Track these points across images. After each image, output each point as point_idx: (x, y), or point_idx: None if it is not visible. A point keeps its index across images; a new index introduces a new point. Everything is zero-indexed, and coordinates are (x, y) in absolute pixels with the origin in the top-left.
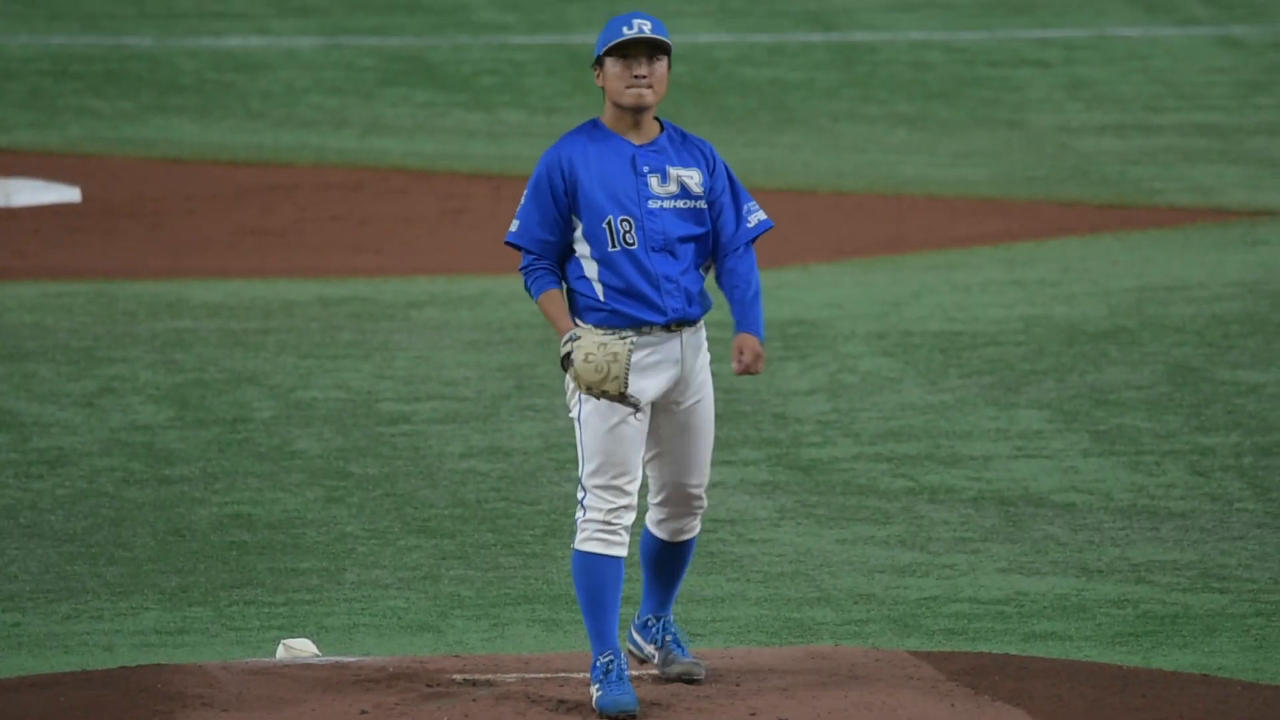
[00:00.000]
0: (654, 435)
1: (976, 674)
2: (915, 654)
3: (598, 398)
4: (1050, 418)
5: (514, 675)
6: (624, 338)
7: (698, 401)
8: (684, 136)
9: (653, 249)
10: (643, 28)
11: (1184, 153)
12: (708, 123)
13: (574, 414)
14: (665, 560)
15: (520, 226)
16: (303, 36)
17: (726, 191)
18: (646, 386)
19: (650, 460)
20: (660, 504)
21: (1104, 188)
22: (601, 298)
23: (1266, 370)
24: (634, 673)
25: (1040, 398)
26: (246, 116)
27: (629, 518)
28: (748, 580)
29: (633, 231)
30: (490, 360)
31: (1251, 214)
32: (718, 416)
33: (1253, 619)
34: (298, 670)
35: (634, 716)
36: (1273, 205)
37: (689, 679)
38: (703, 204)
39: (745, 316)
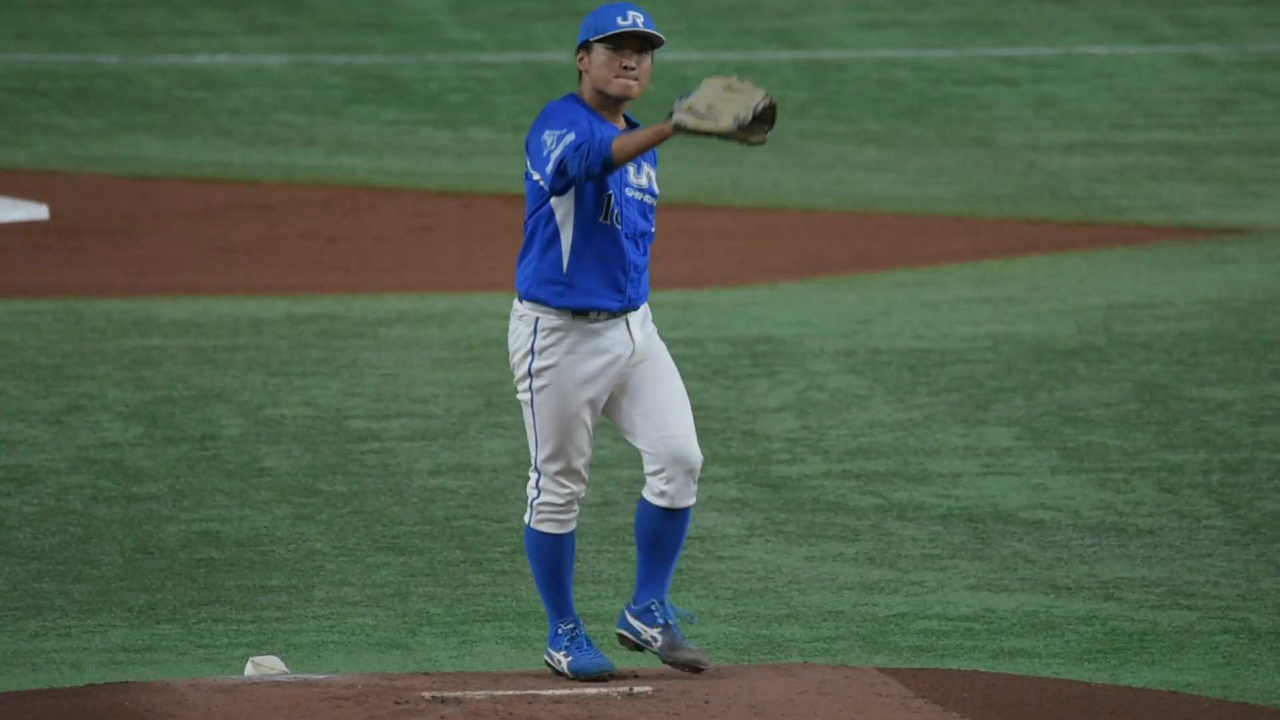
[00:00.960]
0: (620, 413)
1: (945, 691)
2: (884, 671)
3: (743, 126)
4: (1019, 435)
5: (483, 692)
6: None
7: (645, 360)
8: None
9: (626, 235)
10: (637, 20)
11: (1151, 171)
12: (675, 140)
13: (523, 397)
14: (663, 534)
15: (576, 133)
16: (271, 54)
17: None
18: (597, 372)
19: (632, 434)
20: (657, 472)
21: (1072, 206)
22: (565, 268)
23: (1234, 388)
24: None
25: (1009, 415)
26: (215, 134)
27: (582, 493)
28: (716, 597)
29: (615, 208)
30: (459, 378)
31: (1219, 232)
32: None
33: (1220, 636)
34: (266, 688)
35: (611, 675)
36: (1240, 223)
37: (697, 668)
38: (653, 198)
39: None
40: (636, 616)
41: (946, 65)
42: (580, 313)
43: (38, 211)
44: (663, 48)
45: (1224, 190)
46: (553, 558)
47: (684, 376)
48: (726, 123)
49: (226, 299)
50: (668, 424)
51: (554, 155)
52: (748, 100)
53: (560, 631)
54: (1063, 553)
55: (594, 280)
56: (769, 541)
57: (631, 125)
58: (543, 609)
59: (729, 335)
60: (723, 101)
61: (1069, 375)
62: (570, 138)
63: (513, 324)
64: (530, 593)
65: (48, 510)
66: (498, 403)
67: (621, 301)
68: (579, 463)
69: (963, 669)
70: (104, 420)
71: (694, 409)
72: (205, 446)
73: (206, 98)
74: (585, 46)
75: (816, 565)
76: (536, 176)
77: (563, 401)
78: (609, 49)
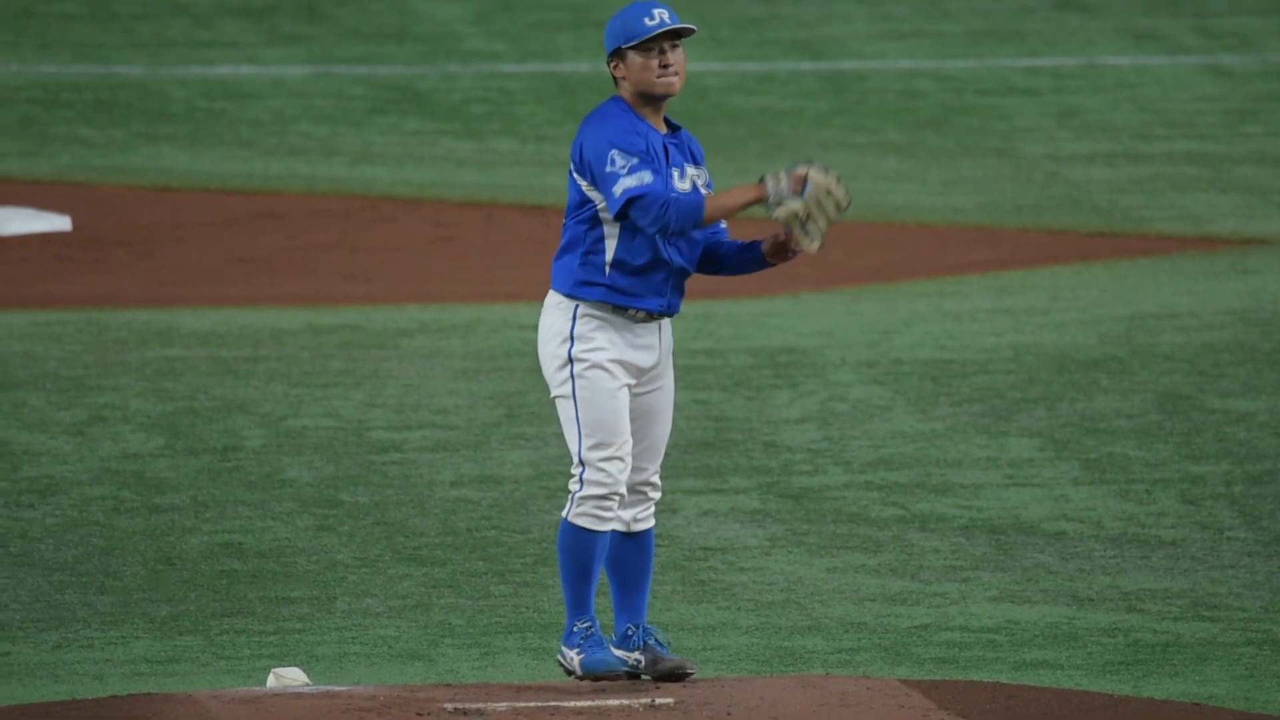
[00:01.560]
0: None
1: (967, 703)
2: (906, 683)
3: (829, 221)
4: (1040, 446)
5: (505, 704)
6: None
7: (659, 388)
8: (684, 132)
9: (670, 242)
10: (664, 18)
11: (1173, 181)
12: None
13: (563, 391)
14: (627, 557)
15: (654, 175)
16: (292, 65)
17: (711, 187)
18: (637, 361)
19: None
20: None
21: (1093, 216)
22: (606, 272)
23: (1257, 398)
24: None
25: (1030, 426)
26: (236, 145)
27: (625, 490)
28: (738, 609)
29: None
30: (481, 389)
31: (1241, 242)
32: (706, 444)
33: (1243, 648)
34: (288, 699)
35: (620, 675)
36: (1263, 234)
37: (680, 674)
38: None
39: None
40: (619, 646)
41: (968, 75)
42: (620, 308)
43: (60, 223)
44: (684, 57)
45: (1246, 201)
46: (585, 554)
47: (706, 388)
48: (813, 246)
49: (248, 310)
50: (645, 459)
51: (628, 188)
52: (831, 212)
53: (576, 629)
54: (1085, 564)
55: (636, 284)
56: (791, 553)
57: (671, 127)
58: (563, 617)
59: (751, 346)
60: (819, 211)
61: (1091, 386)
62: (647, 179)
63: (547, 317)
64: (552, 604)
65: (70, 521)
66: (519, 414)
67: (662, 305)
68: (624, 450)
69: (985, 680)
70: (126, 431)
71: (715, 420)
72: (227, 457)
73: (228, 108)
74: (618, 54)
75: (838, 576)
76: (597, 200)
77: (605, 382)
78: (643, 51)
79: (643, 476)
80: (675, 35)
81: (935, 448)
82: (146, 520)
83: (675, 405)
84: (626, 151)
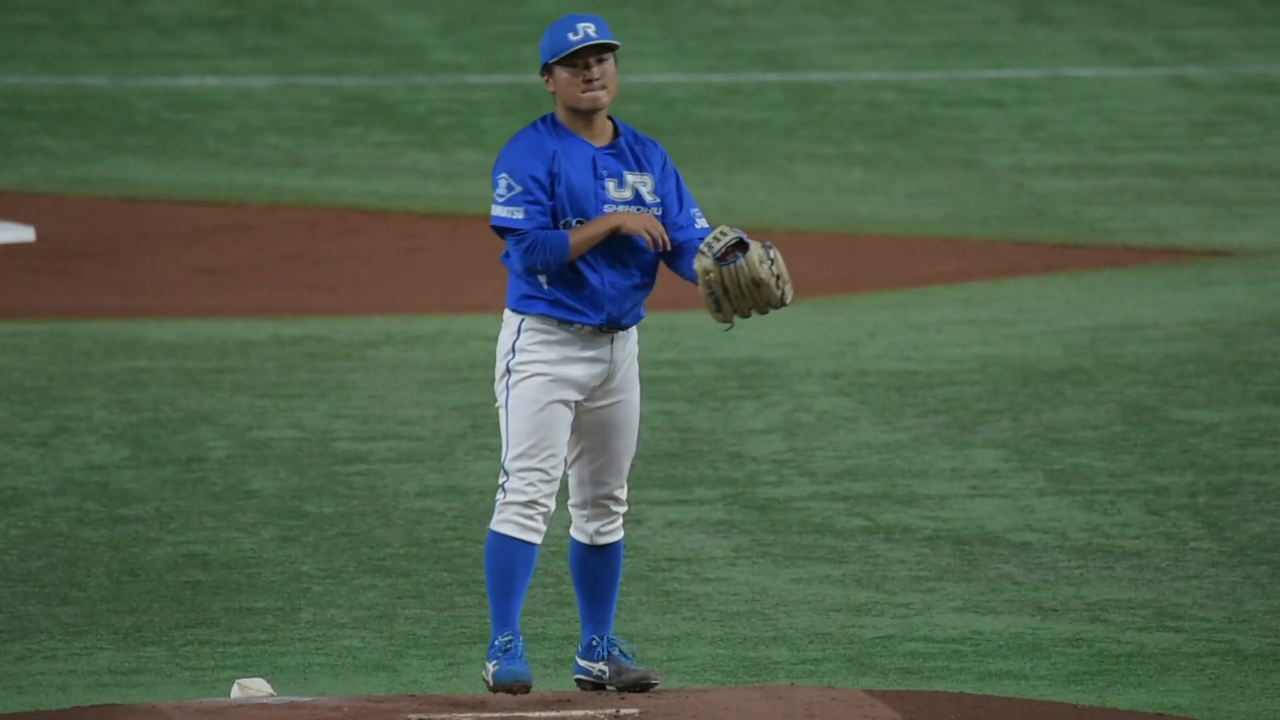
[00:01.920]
0: (574, 434)
1: (932, 713)
2: (871, 693)
3: (748, 308)
4: (1006, 457)
5: (469, 715)
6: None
7: (618, 402)
8: (636, 138)
9: (602, 254)
10: (588, 31)
11: (1138, 193)
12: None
13: (500, 401)
14: (593, 569)
15: (526, 214)
16: (258, 76)
17: (673, 193)
18: (577, 376)
19: (570, 461)
20: (578, 505)
21: (1059, 227)
22: (545, 286)
23: (1221, 410)
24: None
25: (996, 437)
26: (202, 156)
27: (550, 503)
28: (703, 619)
29: None
30: (446, 400)
31: (1206, 254)
32: (672, 455)
33: (1207, 658)
34: (252, 710)
35: (528, 687)
36: (1227, 245)
37: (645, 684)
38: (656, 211)
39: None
40: (584, 657)
41: (933, 87)
42: (565, 322)
43: (24, 233)
44: (650, 70)
45: (1210, 212)
46: (507, 563)
47: (671, 399)
48: (716, 315)
49: (213, 321)
50: (606, 474)
51: (497, 216)
52: (749, 301)
53: (497, 642)
54: (1050, 574)
55: (575, 299)
56: (756, 563)
57: (616, 133)
58: (533, 629)
59: (716, 357)
60: (736, 291)
61: (1056, 397)
62: (518, 215)
63: (500, 333)
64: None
65: (34, 533)
66: (485, 424)
67: (601, 319)
68: (549, 463)
69: (950, 691)
70: (91, 442)
71: (681, 431)
72: (192, 468)
73: (193, 120)
74: (547, 69)
75: (803, 587)
76: (491, 215)
77: (536, 394)
78: (569, 66)
79: (604, 490)
80: (600, 49)
81: (900, 458)
82: (111, 531)
83: (641, 417)
84: (514, 180)
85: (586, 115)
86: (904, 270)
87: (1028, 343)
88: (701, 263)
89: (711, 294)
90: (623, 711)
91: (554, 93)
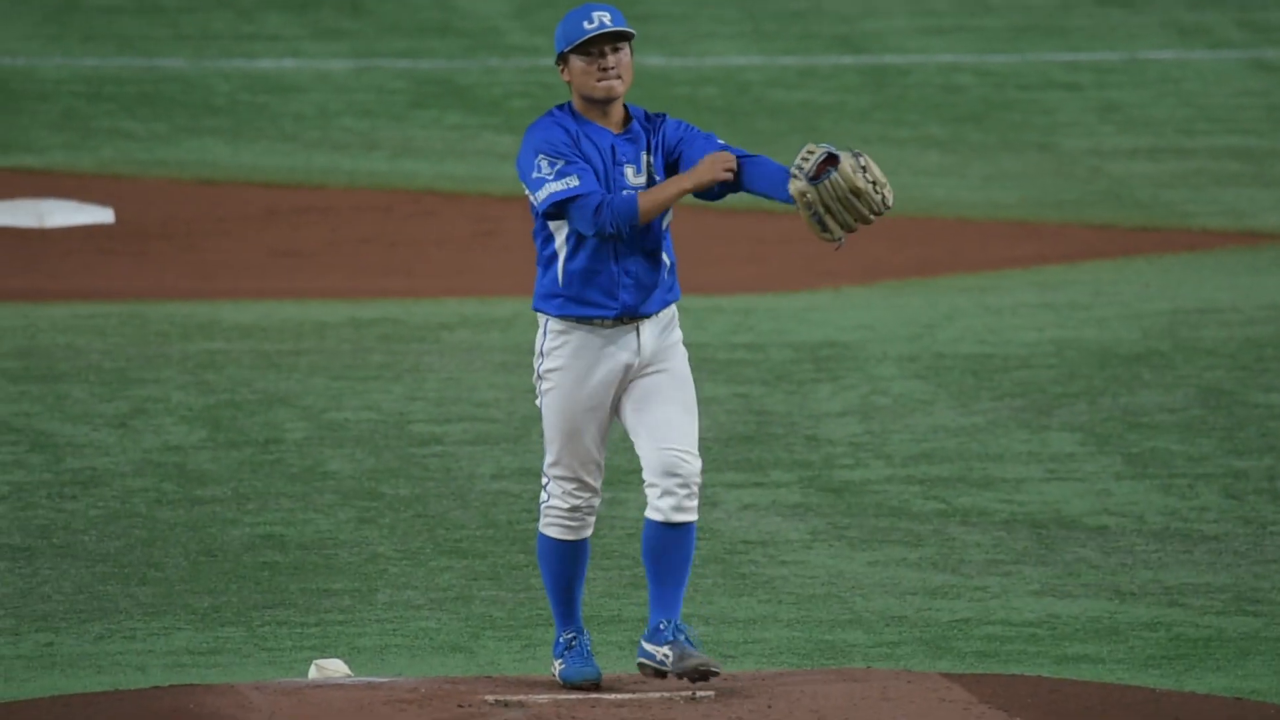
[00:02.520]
0: (625, 419)
1: (1009, 697)
2: (947, 676)
3: (854, 220)
4: (1082, 440)
5: (546, 696)
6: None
7: (659, 370)
8: (648, 118)
9: (620, 241)
10: (603, 20)
11: (1216, 176)
12: (739, 145)
13: (538, 401)
14: (665, 550)
15: (581, 179)
16: (335, 59)
17: (689, 134)
18: (603, 376)
19: (635, 441)
20: (651, 484)
21: (1136, 211)
22: (561, 282)
23: None
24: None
25: (1072, 420)
26: (279, 138)
27: (594, 502)
28: (779, 602)
29: None
30: (521, 382)
31: None
32: (748, 438)
33: None
34: (330, 691)
35: (598, 685)
36: None
37: (705, 672)
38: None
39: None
40: (648, 640)
41: (1009, 70)
42: (583, 319)
43: (103, 215)
44: (726, 53)
45: None
46: (560, 564)
47: (747, 381)
48: (823, 235)
49: (290, 303)
50: (667, 437)
51: (554, 192)
52: (853, 212)
53: (562, 639)
54: (1127, 558)
55: (588, 291)
56: (832, 546)
57: (629, 119)
58: (606, 614)
59: (792, 340)
60: (837, 206)
61: (1133, 381)
62: (574, 182)
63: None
64: (593, 596)
65: (113, 513)
66: None
67: (617, 309)
68: (583, 472)
69: (1027, 675)
70: (168, 423)
71: (756, 414)
72: (269, 450)
73: (271, 102)
74: (563, 58)
75: (879, 570)
76: (531, 198)
77: (566, 404)
78: (585, 55)
79: (670, 458)
80: (615, 38)
81: (977, 442)
82: (188, 512)
83: (716, 400)
84: (552, 156)
85: (602, 104)
86: (980, 254)
87: (1104, 326)
88: (796, 185)
89: (814, 215)
90: (699, 694)
91: (569, 82)
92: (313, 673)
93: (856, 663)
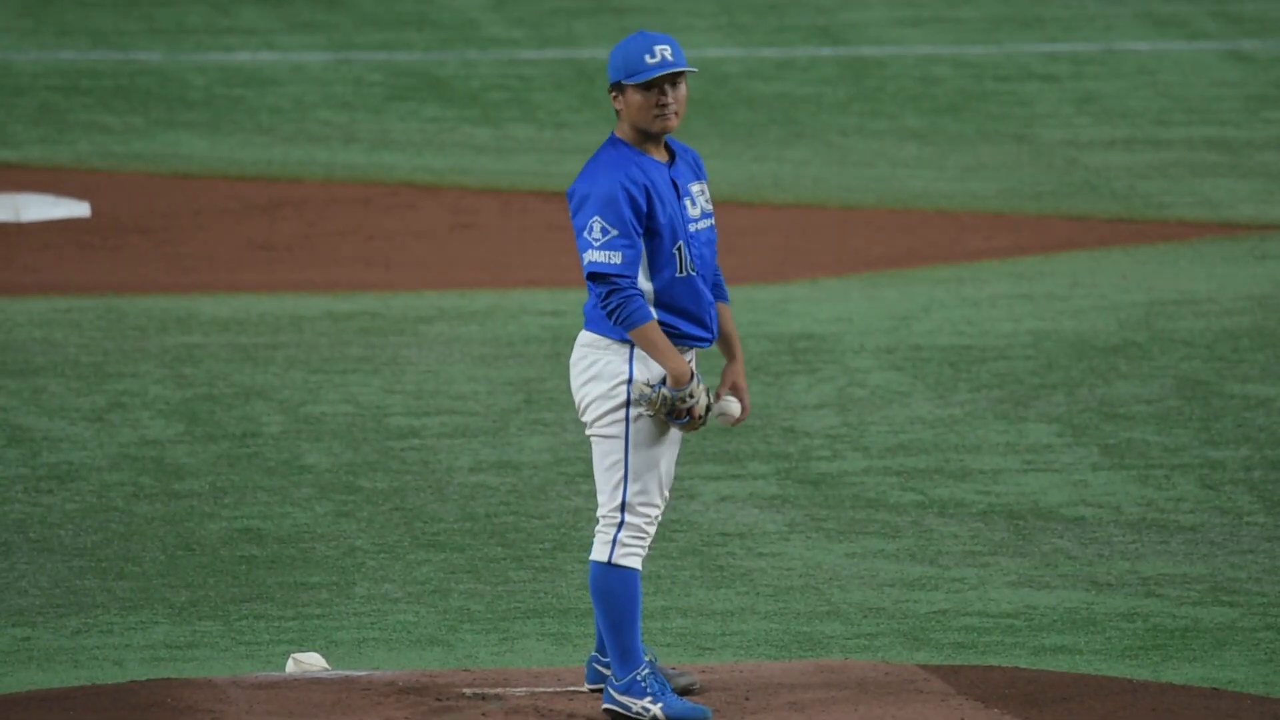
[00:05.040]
0: None
1: (986, 688)
2: (925, 668)
3: (693, 427)
4: (1059, 431)
5: (523, 689)
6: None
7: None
8: (678, 146)
9: (700, 274)
10: (665, 56)
11: (1193, 167)
12: (716, 137)
13: (612, 432)
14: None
15: (624, 257)
16: (311, 52)
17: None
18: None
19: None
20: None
21: (1113, 202)
22: (654, 314)
23: (1276, 384)
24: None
25: (1049, 412)
26: (255, 131)
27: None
28: (757, 594)
29: (688, 257)
30: (499, 375)
31: (1261, 228)
32: (725, 430)
33: (1263, 633)
34: (307, 684)
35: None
36: None
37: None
38: (712, 219)
39: (734, 347)
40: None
41: (987, 62)
42: (681, 349)
43: (79, 209)
44: (704, 45)
45: (1266, 186)
46: (630, 596)
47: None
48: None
49: (267, 296)
50: (667, 485)
51: (594, 262)
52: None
53: (639, 679)
54: (1104, 549)
55: (686, 322)
56: (809, 538)
57: (670, 153)
58: (584, 606)
59: (769, 332)
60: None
61: (1110, 372)
62: (617, 259)
63: (593, 356)
64: (571, 589)
65: (89, 507)
66: (538, 400)
67: (711, 338)
68: (660, 497)
69: (1004, 665)
70: (145, 417)
71: None
72: (246, 444)
73: (247, 95)
74: (618, 86)
75: (857, 562)
76: (585, 259)
77: (659, 431)
78: (642, 90)
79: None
80: (676, 74)
81: (954, 433)
82: (166, 506)
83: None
84: (608, 223)
85: (654, 137)
86: (957, 245)
87: (1082, 317)
88: (645, 403)
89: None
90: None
91: (620, 110)
92: (290, 666)
93: (834, 654)
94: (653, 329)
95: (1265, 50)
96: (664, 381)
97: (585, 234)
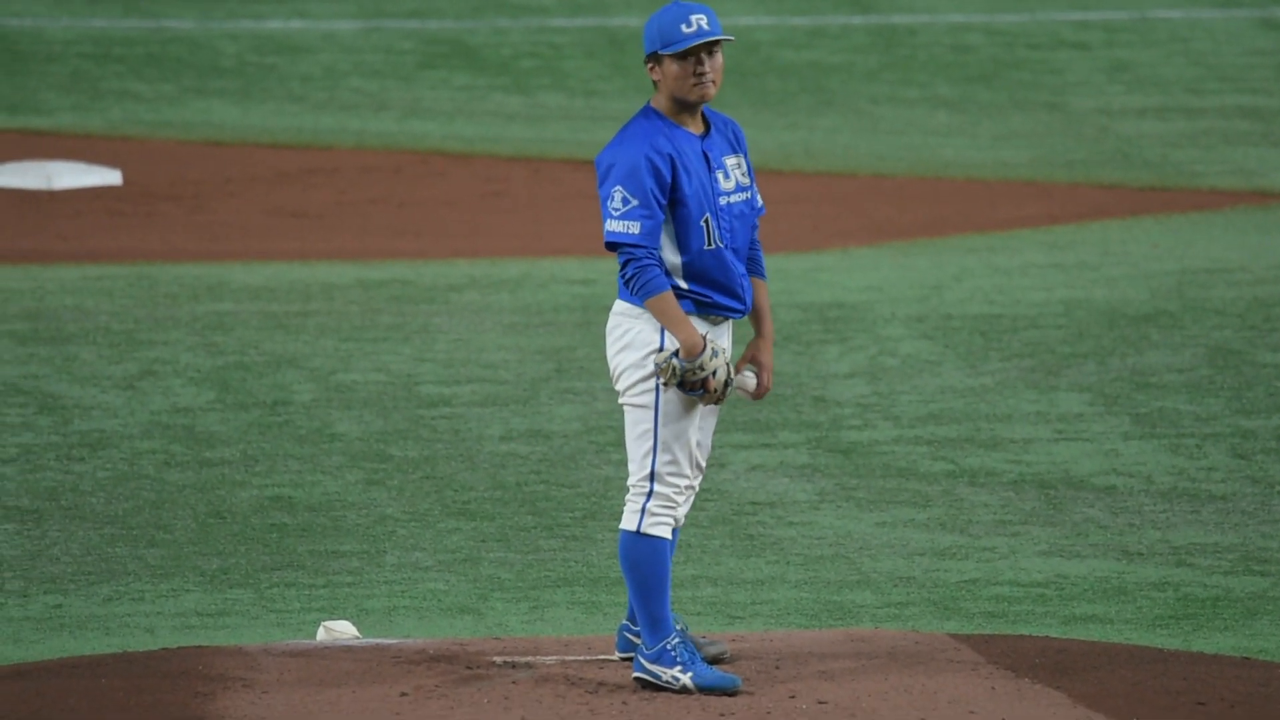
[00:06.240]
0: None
1: (1017, 657)
2: (955, 637)
3: (713, 401)
4: (1091, 401)
5: (553, 658)
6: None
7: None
8: (717, 115)
9: (731, 247)
10: (702, 25)
11: (1225, 135)
12: (747, 106)
13: (643, 401)
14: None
15: (642, 228)
16: (343, 20)
17: (749, 168)
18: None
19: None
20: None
21: (1145, 170)
22: (684, 283)
23: None
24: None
25: (1081, 381)
26: (287, 99)
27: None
28: (787, 563)
29: (715, 230)
30: (530, 343)
31: None
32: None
33: None
34: (338, 652)
35: (737, 692)
36: None
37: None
38: (746, 194)
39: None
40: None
41: (1019, 30)
42: (704, 317)
43: (111, 177)
44: (735, 13)
45: None
46: (660, 564)
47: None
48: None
49: (298, 264)
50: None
51: (613, 231)
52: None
53: (669, 647)
54: (1135, 519)
55: (720, 293)
56: (840, 507)
57: (705, 119)
58: (615, 574)
59: (800, 301)
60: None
61: (1141, 341)
62: (635, 229)
63: (625, 325)
64: (601, 558)
65: (121, 475)
66: (568, 368)
67: (744, 309)
68: (690, 466)
69: (1034, 635)
70: (176, 385)
71: None
72: (277, 412)
73: (279, 63)
74: (654, 57)
75: (887, 531)
76: (605, 228)
77: (692, 400)
78: (679, 59)
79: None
80: (713, 42)
81: (985, 402)
82: (197, 474)
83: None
84: (630, 193)
85: (690, 107)
86: (989, 214)
87: (1113, 286)
88: (667, 376)
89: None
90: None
91: (657, 81)
92: (321, 634)
93: (864, 623)
94: (666, 299)
95: None
96: (677, 353)
97: (607, 203)
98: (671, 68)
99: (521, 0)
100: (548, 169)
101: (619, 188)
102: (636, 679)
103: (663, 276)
